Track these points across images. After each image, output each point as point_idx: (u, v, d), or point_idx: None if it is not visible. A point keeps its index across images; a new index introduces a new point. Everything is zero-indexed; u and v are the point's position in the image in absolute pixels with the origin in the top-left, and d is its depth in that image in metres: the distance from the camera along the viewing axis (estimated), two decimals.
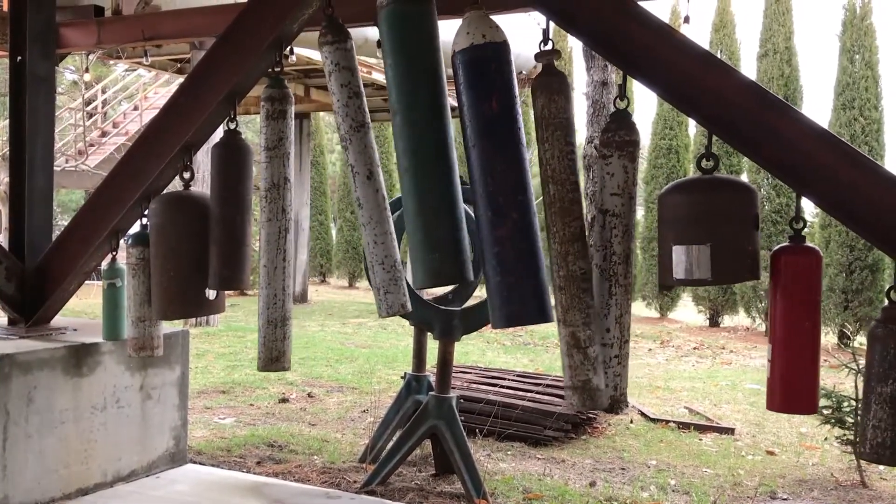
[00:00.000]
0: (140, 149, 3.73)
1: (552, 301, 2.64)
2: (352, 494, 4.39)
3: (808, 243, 2.63)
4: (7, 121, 4.58)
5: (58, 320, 4.37)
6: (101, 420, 4.07)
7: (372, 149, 2.92)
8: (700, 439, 6.62)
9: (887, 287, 2.53)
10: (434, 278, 2.63)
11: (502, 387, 6.79)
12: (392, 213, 2.95)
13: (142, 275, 3.60)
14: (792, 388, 2.57)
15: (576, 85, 18.32)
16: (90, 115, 21.13)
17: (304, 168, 17.89)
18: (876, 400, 2.43)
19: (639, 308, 17.39)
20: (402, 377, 5.60)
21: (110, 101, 22.41)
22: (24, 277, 4.17)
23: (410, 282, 3.00)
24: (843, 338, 12.34)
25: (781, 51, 14.71)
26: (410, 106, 2.64)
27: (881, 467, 5.71)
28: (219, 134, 3.68)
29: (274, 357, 3.18)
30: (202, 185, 10.69)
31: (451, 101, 2.74)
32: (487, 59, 2.59)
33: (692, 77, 2.66)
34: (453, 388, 5.47)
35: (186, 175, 3.58)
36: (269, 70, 3.30)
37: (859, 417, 5.51)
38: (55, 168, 4.63)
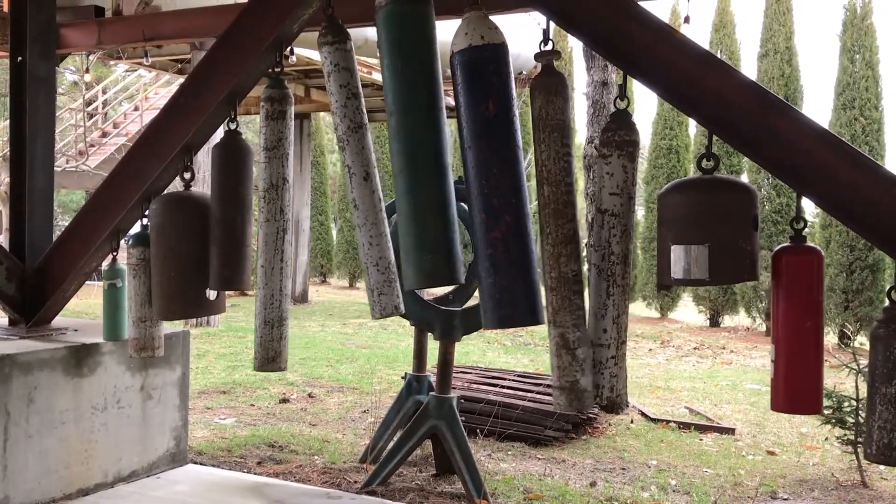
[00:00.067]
0: (140, 149, 3.74)
1: (544, 302, 2.65)
2: (352, 495, 4.39)
3: (809, 243, 2.63)
4: (7, 121, 4.58)
5: (58, 321, 4.37)
6: (102, 420, 4.07)
7: (369, 150, 2.92)
8: (700, 439, 6.62)
9: (888, 287, 2.52)
10: (426, 280, 2.64)
11: (503, 387, 6.79)
12: (390, 216, 2.95)
13: (142, 275, 3.60)
14: (795, 389, 2.57)
15: (576, 85, 18.35)
16: (91, 116, 21.13)
17: (304, 168, 17.90)
18: (880, 401, 2.42)
19: (639, 308, 17.40)
20: (402, 377, 5.61)
21: (111, 101, 22.42)
22: (24, 278, 4.17)
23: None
24: (844, 338, 12.34)
25: (782, 51, 14.71)
26: (407, 107, 2.63)
27: (882, 467, 5.71)
28: (219, 134, 3.68)
29: (270, 357, 3.18)
30: (203, 185, 10.70)
31: (449, 101, 2.74)
32: (486, 60, 2.59)
33: (692, 77, 2.66)
34: (454, 388, 5.47)
35: (187, 175, 3.58)
36: (270, 70, 3.30)
37: (861, 418, 5.52)
38: (56, 168, 4.63)
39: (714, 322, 15.88)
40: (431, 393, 4.87)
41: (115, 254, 3.92)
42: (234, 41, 3.36)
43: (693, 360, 11.60)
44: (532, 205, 2.65)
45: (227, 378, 8.29)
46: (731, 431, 6.87)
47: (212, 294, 3.50)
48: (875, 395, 2.44)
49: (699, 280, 2.54)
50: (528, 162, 10.59)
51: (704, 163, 2.64)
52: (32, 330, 4.15)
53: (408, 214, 2.62)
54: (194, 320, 12.04)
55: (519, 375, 7.44)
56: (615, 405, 7.06)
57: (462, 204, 3.64)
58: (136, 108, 21.19)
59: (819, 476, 5.64)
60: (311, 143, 18.84)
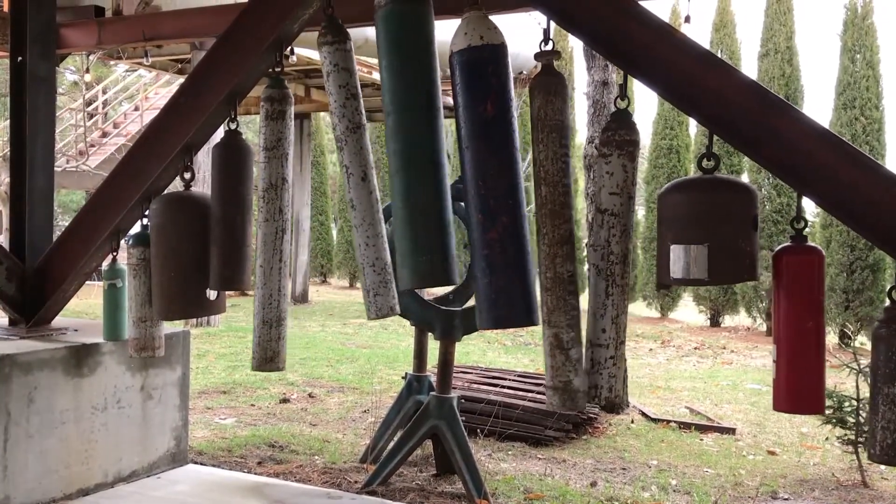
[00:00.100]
0: (141, 149, 3.73)
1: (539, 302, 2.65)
2: (353, 494, 4.39)
3: (810, 243, 2.62)
4: (8, 121, 4.58)
5: (58, 321, 4.37)
6: (102, 420, 4.07)
7: (367, 150, 2.92)
8: (701, 439, 6.62)
9: (888, 287, 2.52)
10: (422, 280, 2.64)
11: (503, 387, 6.79)
12: (388, 219, 2.95)
13: (143, 275, 3.60)
14: (797, 389, 2.57)
15: (577, 85, 18.35)
16: (91, 116, 21.13)
17: (304, 168, 17.90)
18: (883, 401, 2.42)
19: (640, 308, 17.39)
20: (402, 377, 5.60)
21: (111, 101, 22.42)
22: (24, 278, 4.17)
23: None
24: (845, 337, 12.33)
25: (783, 50, 14.71)
26: (404, 108, 2.63)
27: (882, 467, 5.71)
28: (219, 134, 3.68)
29: (268, 357, 3.18)
30: (203, 185, 10.70)
31: (448, 101, 2.74)
32: (485, 60, 2.59)
33: (692, 76, 2.66)
34: (454, 388, 5.47)
35: (187, 175, 3.58)
36: (270, 70, 3.30)
37: (863, 418, 5.52)
38: (56, 168, 4.63)
39: (714, 322, 15.88)
40: (432, 393, 4.87)
41: (115, 254, 3.92)
42: (235, 41, 3.36)
43: (693, 360, 11.60)
44: (531, 206, 2.65)
45: (227, 378, 8.29)
46: (731, 431, 6.87)
47: (212, 294, 3.50)
48: (878, 396, 2.43)
49: (698, 280, 2.54)
50: (528, 163, 10.59)
51: (705, 162, 2.63)
52: (32, 330, 4.15)
53: (404, 215, 2.62)
54: (194, 320, 12.04)
55: (519, 375, 7.44)
56: (613, 405, 7.06)
57: (463, 204, 3.64)
58: (137, 108, 21.19)
59: (820, 476, 5.63)
60: (312, 142, 18.84)
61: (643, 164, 17.78)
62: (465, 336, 4.97)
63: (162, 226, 3.48)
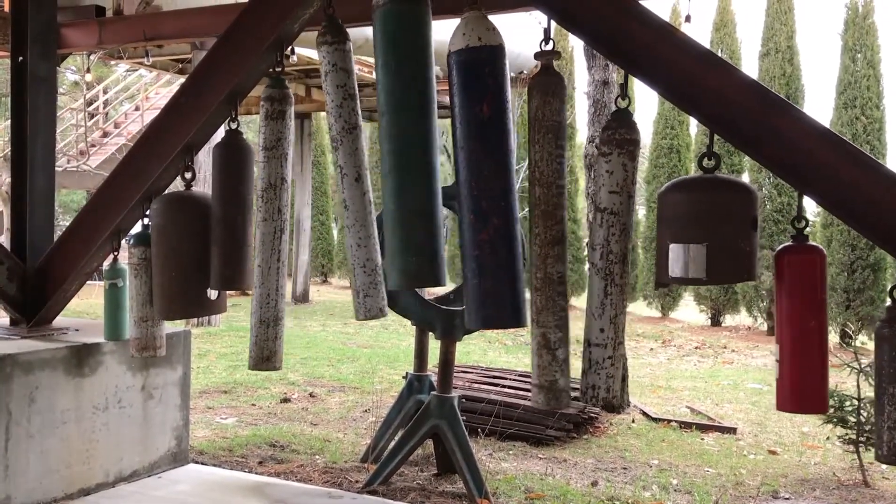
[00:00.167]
0: (141, 149, 3.74)
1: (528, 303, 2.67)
2: (354, 494, 4.39)
3: (811, 242, 2.62)
4: (8, 121, 4.58)
5: (59, 320, 4.37)
6: (103, 420, 4.07)
7: (362, 151, 2.92)
8: (702, 439, 6.62)
9: (889, 286, 2.52)
10: (410, 280, 2.65)
11: (504, 386, 6.79)
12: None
13: (144, 275, 3.60)
14: (800, 388, 2.57)
15: (577, 84, 18.34)
16: (91, 116, 21.14)
17: (305, 168, 17.91)
18: (889, 401, 2.42)
19: (640, 308, 17.39)
20: (403, 377, 5.61)
21: (112, 101, 22.42)
22: (25, 278, 4.17)
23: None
24: (845, 337, 12.33)
25: (783, 50, 14.71)
26: (399, 108, 2.63)
27: (884, 466, 5.71)
28: (220, 134, 3.68)
29: (265, 356, 3.19)
30: (204, 185, 10.70)
31: (445, 100, 2.73)
32: (482, 61, 2.58)
33: (693, 76, 2.66)
34: (455, 387, 5.47)
35: (188, 175, 3.58)
36: (270, 70, 3.30)
37: (864, 418, 5.52)
38: (56, 168, 4.64)
39: (715, 321, 15.88)
40: (432, 392, 4.87)
41: (116, 253, 3.92)
42: (235, 41, 3.36)
43: (694, 360, 11.60)
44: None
45: (228, 378, 8.29)
46: (732, 431, 6.87)
47: (213, 294, 3.51)
48: (883, 396, 2.43)
49: (696, 279, 2.54)
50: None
51: (706, 162, 2.63)
52: (33, 330, 4.15)
53: (394, 215, 2.62)
54: (195, 320, 12.04)
55: (520, 375, 7.43)
56: (611, 406, 7.05)
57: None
58: (137, 108, 21.19)
59: (821, 475, 5.63)
60: (312, 142, 18.84)
61: (644, 164, 17.79)
62: (465, 336, 4.97)
63: (163, 226, 3.48)
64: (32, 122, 4.33)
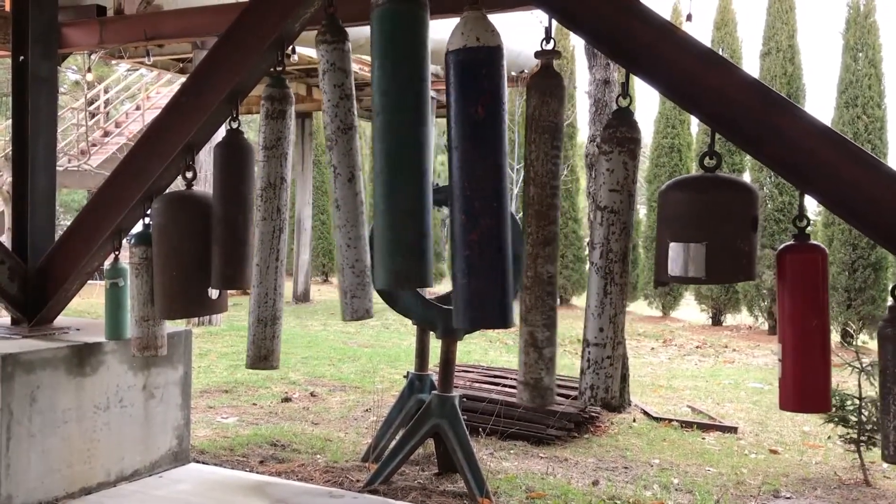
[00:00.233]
0: (142, 148, 3.74)
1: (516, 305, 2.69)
2: (355, 493, 4.40)
3: (812, 241, 2.62)
4: (10, 121, 4.58)
5: (60, 320, 4.37)
6: (105, 419, 4.07)
7: (356, 152, 2.92)
8: (703, 438, 6.62)
9: (891, 285, 2.52)
10: (397, 281, 2.66)
11: (505, 386, 6.79)
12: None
13: (145, 274, 3.60)
14: (803, 387, 2.57)
15: (578, 83, 18.34)
16: (92, 115, 21.14)
17: (306, 167, 17.91)
18: (894, 401, 2.41)
19: (641, 307, 17.39)
20: (404, 376, 5.61)
21: (112, 100, 22.43)
22: (26, 277, 4.17)
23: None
24: (847, 336, 12.33)
25: (784, 49, 14.70)
26: (394, 108, 2.63)
27: (885, 465, 5.71)
28: (221, 133, 3.68)
29: (263, 355, 3.19)
30: (204, 184, 10.70)
31: (443, 99, 2.73)
32: (479, 62, 2.58)
33: (694, 75, 2.66)
34: (456, 387, 5.47)
35: (189, 174, 3.58)
36: (271, 69, 3.30)
37: (865, 417, 5.52)
38: (58, 168, 4.64)
39: (716, 321, 15.88)
40: (433, 392, 4.87)
41: (117, 253, 3.92)
42: (236, 40, 3.36)
43: (695, 359, 11.60)
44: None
45: (229, 377, 8.29)
46: (733, 430, 6.87)
47: (214, 293, 3.51)
48: (888, 396, 2.43)
49: (695, 278, 2.54)
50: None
51: (707, 161, 2.63)
52: (35, 329, 4.15)
53: (384, 215, 2.63)
54: (196, 319, 12.04)
55: None
56: (611, 405, 7.05)
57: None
58: (138, 108, 21.20)
59: (822, 475, 5.63)
60: (313, 142, 18.84)
61: (644, 163, 17.78)
62: (466, 335, 4.97)
63: (164, 225, 3.48)
64: (34, 122, 4.33)
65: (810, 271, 2.57)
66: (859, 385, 5.55)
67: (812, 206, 17.80)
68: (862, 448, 5.56)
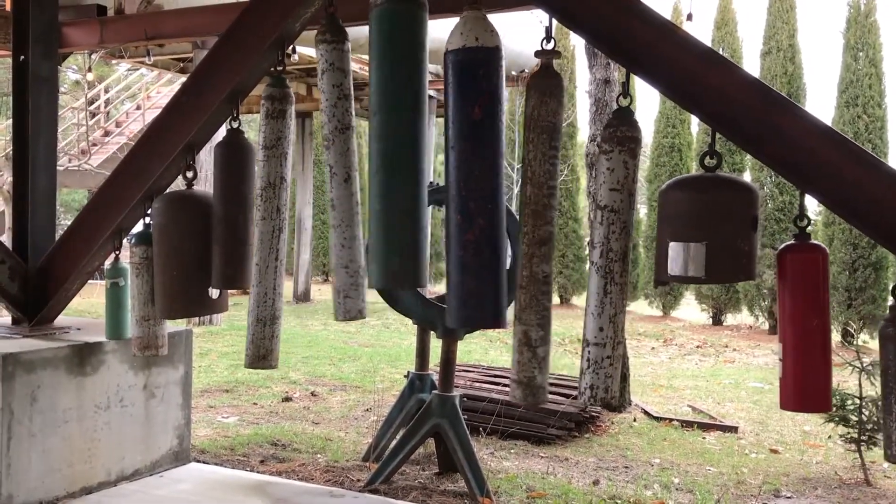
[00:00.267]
0: (143, 148, 3.74)
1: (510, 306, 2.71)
2: (355, 493, 4.40)
3: (813, 241, 2.62)
4: (10, 120, 4.58)
5: (61, 319, 4.37)
6: (105, 419, 4.08)
7: (353, 152, 2.92)
8: (703, 437, 6.62)
9: (892, 285, 2.52)
10: (391, 281, 2.66)
11: (505, 385, 6.79)
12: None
13: (145, 274, 3.60)
14: (804, 387, 2.57)
15: (579, 83, 18.34)
16: (93, 115, 21.15)
17: (306, 167, 17.91)
18: (895, 401, 2.41)
19: (642, 306, 17.39)
20: (405, 376, 5.61)
21: (113, 100, 22.43)
22: (27, 277, 4.17)
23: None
24: (847, 336, 12.33)
25: (785, 48, 14.69)
26: (391, 108, 2.63)
27: (885, 465, 5.71)
28: (222, 133, 3.68)
29: (261, 355, 3.19)
30: (205, 184, 10.70)
31: (442, 97, 2.73)
32: (478, 62, 2.58)
33: (694, 74, 2.66)
34: (456, 386, 5.47)
35: (189, 174, 3.58)
36: (272, 69, 3.30)
37: (866, 416, 5.51)
38: (58, 167, 4.64)
39: (717, 320, 15.87)
40: (434, 391, 4.87)
41: (117, 253, 3.92)
42: (237, 39, 3.36)
43: (696, 359, 11.60)
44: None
45: (229, 377, 8.29)
46: (734, 430, 6.87)
47: (214, 293, 3.51)
48: (890, 396, 2.43)
49: (695, 278, 2.54)
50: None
51: (707, 160, 2.63)
52: (35, 329, 4.15)
53: (380, 215, 2.64)
54: (197, 319, 12.04)
55: None
56: (610, 405, 7.05)
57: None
58: (139, 107, 21.20)
59: (822, 474, 5.63)
60: (313, 141, 18.84)
61: (645, 163, 17.79)
62: (467, 335, 4.97)
63: (164, 225, 3.48)
64: (34, 122, 4.33)
65: (811, 271, 2.57)
66: (860, 385, 5.54)
67: (812, 205, 17.81)
68: (862, 448, 5.56)
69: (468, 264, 2.57)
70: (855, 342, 7.43)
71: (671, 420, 7.03)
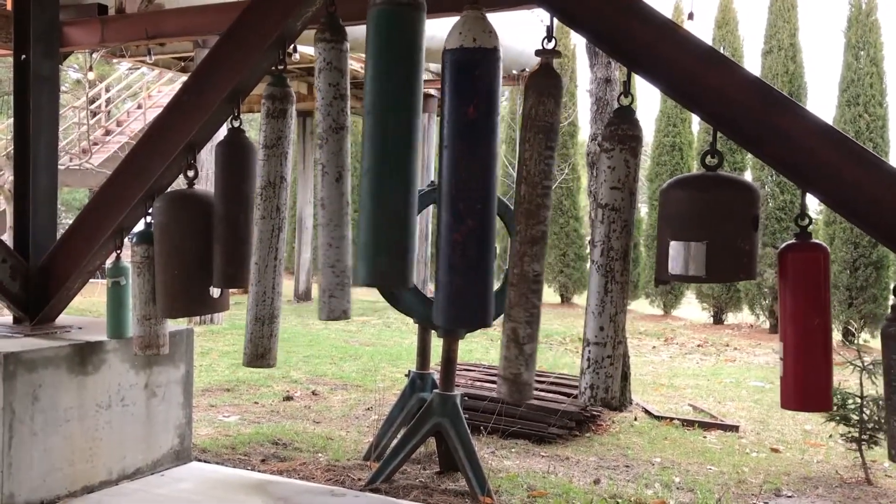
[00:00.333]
0: (144, 147, 3.74)
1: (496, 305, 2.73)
2: (356, 492, 4.40)
3: (814, 240, 2.62)
4: (11, 120, 4.58)
5: (62, 318, 4.37)
6: (106, 418, 4.08)
7: (346, 152, 2.92)
8: (704, 437, 6.62)
9: (892, 284, 2.52)
10: (377, 279, 2.68)
11: None
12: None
13: (146, 273, 3.60)
14: (805, 386, 2.57)
15: (580, 82, 18.33)
16: (94, 114, 21.15)
17: (307, 166, 17.91)
18: None
19: (642, 305, 17.39)
20: (406, 375, 5.61)
21: (114, 99, 22.44)
22: (28, 276, 4.18)
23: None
24: (848, 335, 12.32)
25: (786, 47, 14.68)
26: (385, 109, 2.64)
27: (886, 464, 5.71)
28: (223, 132, 3.68)
29: (260, 354, 3.19)
30: (206, 183, 10.71)
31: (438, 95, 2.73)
32: (474, 63, 2.59)
33: (695, 74, 2.65)
34: (457, 385, 5.47)
35: (190, 173, 3.58)
36: (273, 68, 3.30)
37: (866, 415, 5.51)
38: (59, 167, 4.64)
39: (717, 319, 15.87)
40: (435, 390, 4.87)
41: (118, 252, 3.93)
42: (238, 38, 3.36)
43: (697, 358, 11.60)
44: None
45: (230, 376, 8.30)
46: (734, 429, 6.87)
47: (215, 292, 3.51)
48: (893, 395, 2.42)
49: (696, 277, 2.54)
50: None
51: (708, 159, 2.63)
52: (36, 328, 4.16)
53: (369, 214, 2.64)
54: (198, 318, 12.05)
55: None
56: (610, 405, 7.03)
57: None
58: (140, 106, 21.20)
59: (823, 473, 5.63)
60: (314, 140, 18.83)
61: (646, 162, 17.78)
62: (468, 334, 4.97)
63: (165, 224, 3.48)
64: (35, 121, 4.33)
65: (812, 270, 2.57)
66: (861, 384, 5.54)
67: (813, 204, 17.78)
68: (863, 447, 5.56)
69: (456, 264, 2.59)
70: (856, 341, 7.44)
71: (672, 419, 7.03)
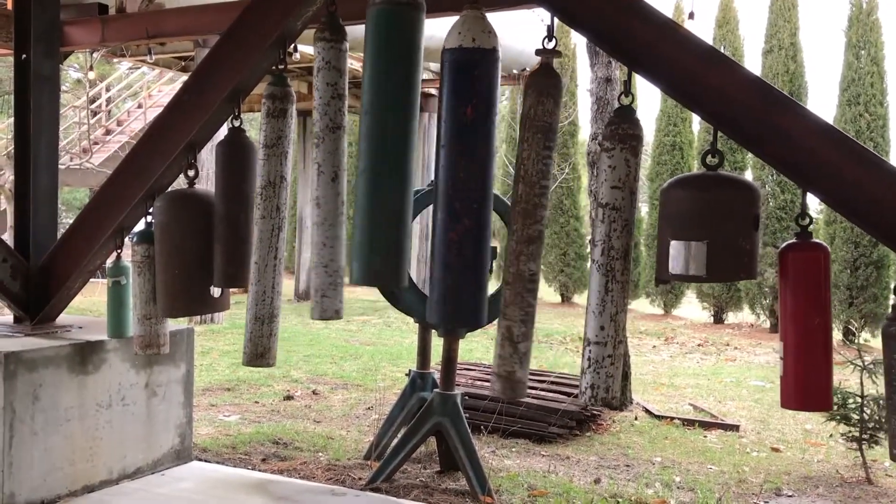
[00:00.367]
0: (144, 147, 3.74)
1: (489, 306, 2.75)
2: (357, 491, 4.40)
3: (815, 239, 2.62)
4: (12, 119, 4.59)
5: (63, 318, 4.38)
6: (107, 418, 4.08)
7: (342, 152, 2.93)
8: (705, 436, 6.62)
9: (893, 283, 2.52)
10: (371, 278, 2.69)
11: None
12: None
13: (147, 272, 3.61)
14: (805, 385, 2.57)
15: (580, 81, 18.33)
16: (94, 114, 21.15)
17: (307, 166, 17.90)
18: None
19: (643, 305, 17.38)
20: (406, 374, 5.61)
21: (114, 99, 22.44)
22: (29, 276, 4.18)
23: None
24: (849, 334, 12.32)
25: (787, 46, 14.67)
26: (383, 109, 2.64)
27: (887, 463, 5.71)
28: (223, 132, 3.68)
29: (259, 353, 3.19)
30: (206, 182, 10.70)
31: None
32: (473, 63, 2.59)
33: (695, 73, 2.65)
34: (458, 385, 5.47)
35: (191, 173, 3.59)
36: (273, 67, 3.30)
37: (866, 415, 5.51)
38: (60, 166, 4.64)
39: (718, 319, 15.87)
40: (435, 390, 4.87)
41: (119, 251, 3.93)
42: (238, 38, 3.36)
43: (697, 357, 11.60)
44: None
45: (231, 375, 8.30)
46: (735, 428, 6.87)
47: (216, 291, 3.51)
48: (894, 395, 2.42)
49: (696, 276, 2.54)
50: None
51: (709, 159, 2.63)
52: (37, 327, 4.16)
53: (364, 213, 2.65)
54: (198, 317, 12.05)
55: None
56: (611, 404, 7.04)
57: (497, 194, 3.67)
58: (140, 106, 21.20)
59: (824, 473, 5.63)
60: (313, 140, 18.83)
61: (646, 161, 17.78)
62: (468, 333, 4.97)
63: (166, 223, 3.48)
64: (36, 120, 4.34)
65: (812, 269, 2.57)
66: (861, 383, 5.54)
67: (814, 203, 17.76)
68: (864, 446, 5.56)
69: (451, 263, 2.60)
70: (856, 341, 7.44)
71: (672, 418, 7.03)
